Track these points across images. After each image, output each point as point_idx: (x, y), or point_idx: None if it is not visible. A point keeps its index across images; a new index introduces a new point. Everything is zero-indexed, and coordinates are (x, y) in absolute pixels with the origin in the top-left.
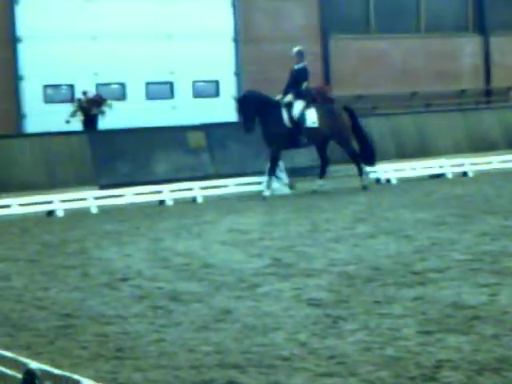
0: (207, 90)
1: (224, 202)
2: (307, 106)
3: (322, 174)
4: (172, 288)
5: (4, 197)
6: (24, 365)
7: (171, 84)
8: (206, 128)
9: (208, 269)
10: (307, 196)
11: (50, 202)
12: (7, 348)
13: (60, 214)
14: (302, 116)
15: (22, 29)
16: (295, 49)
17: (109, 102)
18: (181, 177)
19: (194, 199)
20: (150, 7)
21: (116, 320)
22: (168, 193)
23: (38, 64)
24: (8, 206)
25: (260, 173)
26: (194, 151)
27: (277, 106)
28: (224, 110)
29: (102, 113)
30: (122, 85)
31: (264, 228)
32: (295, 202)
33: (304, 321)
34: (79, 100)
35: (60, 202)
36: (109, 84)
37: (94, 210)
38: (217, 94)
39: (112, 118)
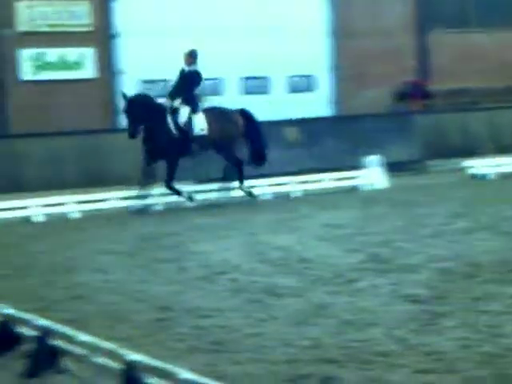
0: (302, 84)
1: (320, 196)
2: (194, 112)
3: (240, 180)
4: (269, 282)
5: (103, 191)
6: (123, 356)
7: (267, 79)
8: (302, 123)
9: (304, 263)
10: (404, 190)
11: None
12: (107, 339)
13: (159, 207)
14: (189, 123)
15: (119, 24)
16: (188, 49)
17: (205, 97)
18: (277, 171)
19: (289, 194)
20: (246, 3)
21: (213, 313)
22: (264, 187)
23: (135, 59)
24: (106, 200)
25: (356, 167)
26: (289, 146)
27: (162, 112)
28: (319, 104)
29: None
30: (219, 80)
31: (360, 223)
32: (391, 196)
33: (402, 317)
34: None
35: (158, 196)
36: (205, 79)
37: (190, 204)
38: (311, 88)
39: None
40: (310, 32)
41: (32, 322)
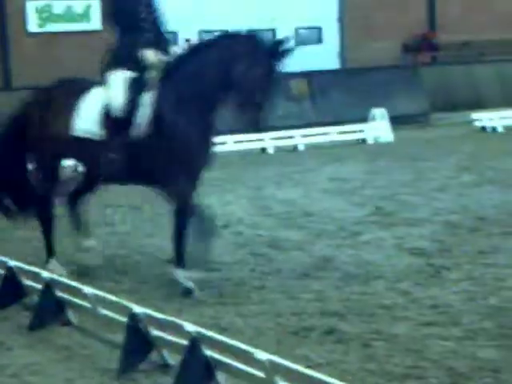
0: (310, 36)
1: (325, 150)
2: None
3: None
4: (273, 236)
5: None
6: (128, 309)
7: (273, 31)
8: (309, 75)
9: (309, 217)
10: (409, 144)
11: None
12: (112, 293)
13: None
14: None
15: None
16: None
17: None
18: (283, 124)
19: (295, 147)
20: None
21: (217, 266)
22: (269, 141)
23: None
24: None
25: (362, 120)
26: (296, 99)
27: None
28: (327, 57)
29: None
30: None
31: (365, 176)
32: (397, 150)
33: (406, 270)
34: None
35: None
36: (212, 31)
37: None
38: (319, 40)
39: None
40: None
41: (37, 274)
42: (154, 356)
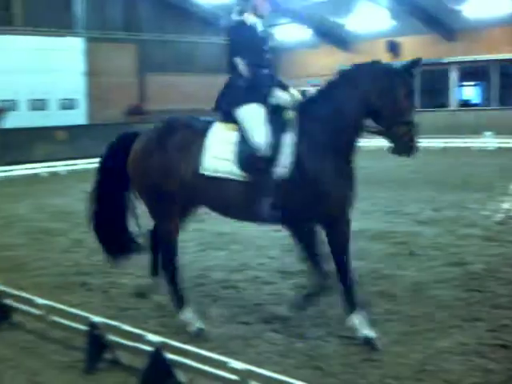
0: (70, 104)
1: (81, 173)
2: None
3: None
4: (45, 226)
5: None
6: None
7: (43, 101)
8: (69, 128)
9: (71, 214)
10: None
11: None
12: None
13: None
14: None
15: None
16: None
17: (7, 112)
18: (49, 158)
19: (58, 172)
20: (31, 53)
21: (10, 247)
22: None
23: None
24: None
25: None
26: (58, 142)
27: None
28: (81, 117)
29: None
30: (14, 101)
31: None
32: None
33: None
34: None
35: None
36: (5, 100)
37: None
38: (77, 107)
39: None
40: (72, 71)
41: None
42: None
